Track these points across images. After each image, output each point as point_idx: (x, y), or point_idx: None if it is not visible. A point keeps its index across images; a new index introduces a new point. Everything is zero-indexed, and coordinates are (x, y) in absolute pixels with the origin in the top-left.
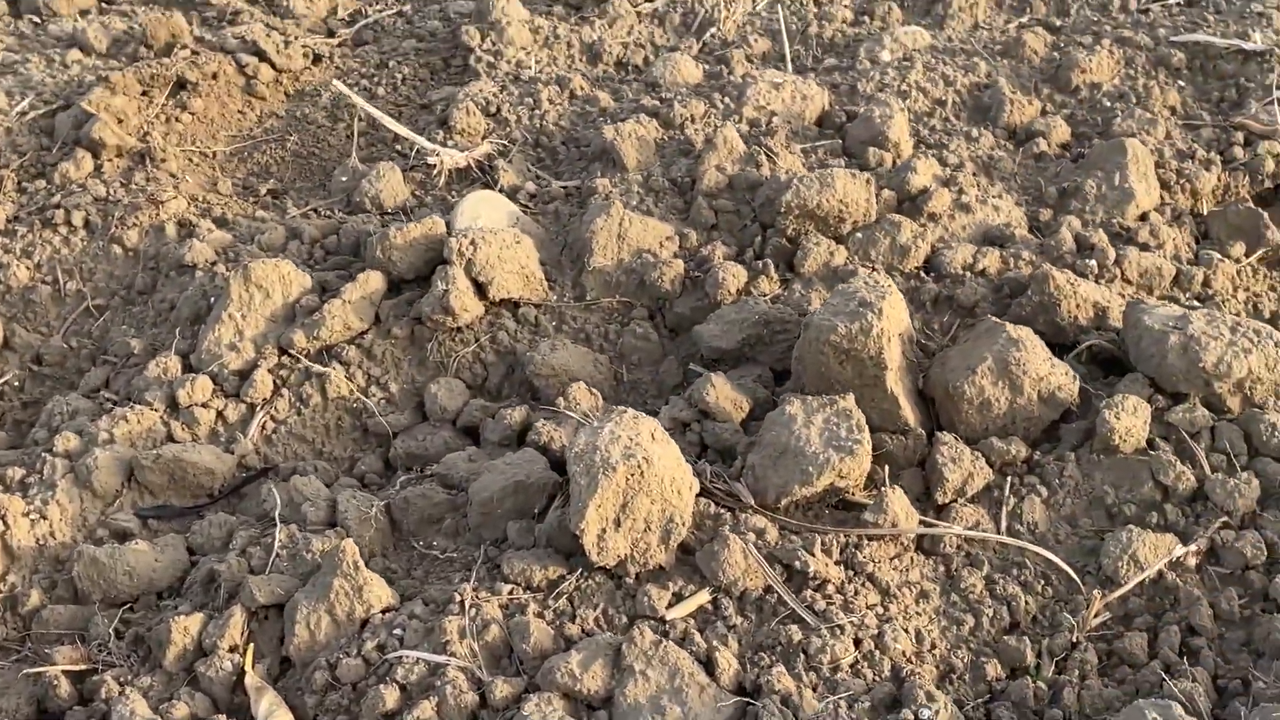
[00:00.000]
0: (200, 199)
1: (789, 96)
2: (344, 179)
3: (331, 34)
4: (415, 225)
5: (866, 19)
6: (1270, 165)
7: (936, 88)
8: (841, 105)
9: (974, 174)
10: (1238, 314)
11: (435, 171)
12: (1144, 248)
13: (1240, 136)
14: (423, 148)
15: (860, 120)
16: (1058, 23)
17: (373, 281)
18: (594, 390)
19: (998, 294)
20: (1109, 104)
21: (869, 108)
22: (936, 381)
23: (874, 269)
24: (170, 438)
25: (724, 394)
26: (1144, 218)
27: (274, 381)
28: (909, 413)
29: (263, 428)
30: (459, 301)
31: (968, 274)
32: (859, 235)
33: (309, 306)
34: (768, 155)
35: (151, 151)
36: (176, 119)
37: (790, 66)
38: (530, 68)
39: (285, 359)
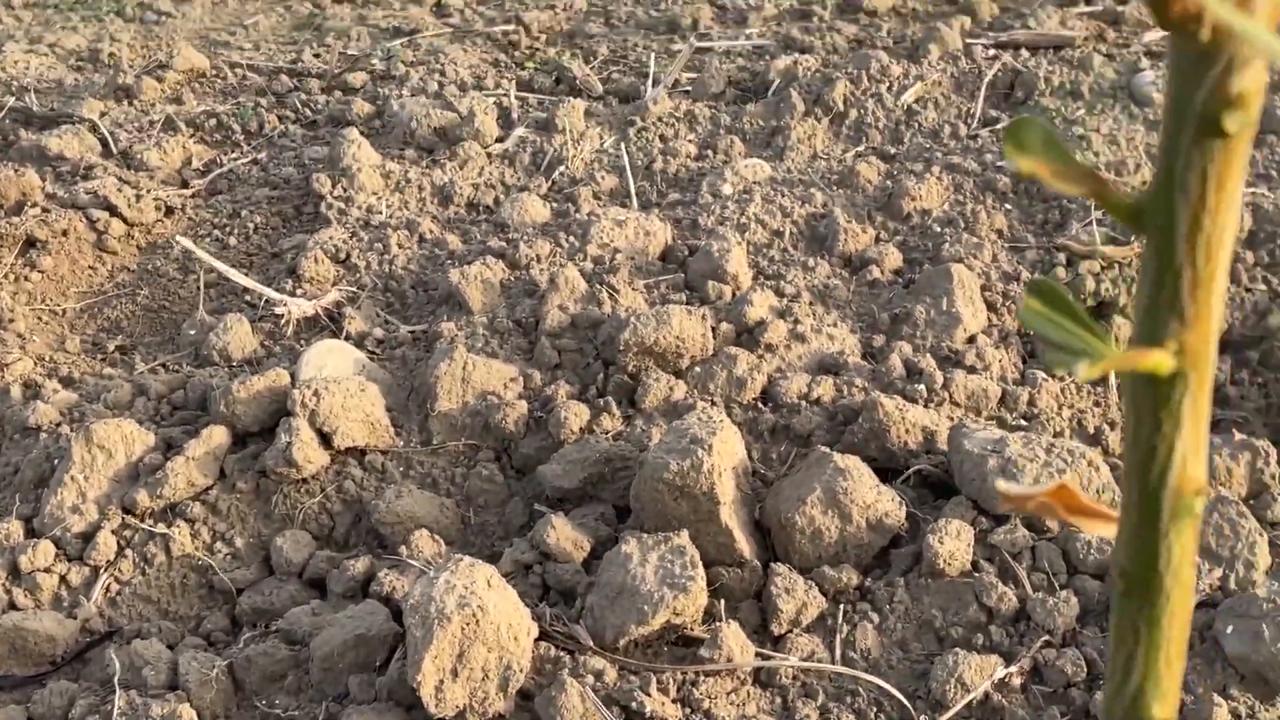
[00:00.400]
0: (47, 358)
1: (632, 233)
2: (192, 332)
3: (186, 185)
4: (259, 378)
5: (710, 152)
6: (1091, 284)
7: (775, 219)
8: (684, 239)
9: (810, 303)
10: (1061, 431)
11: (283, 321)
12: (971, 370)
13: (1063, 257)
14: (270, 298)
15: (701, 254)
16: (892, 150)
17: (216, 436)
18: (437, 537)
19: (832, 421)
20: (939, 229)
21: (709, 242)
22: (771, 512)
23: (712, 402)
24: (12, 605)
25: (564, 534)
26: (971, 340)
27: (117, 543)
28: (744, 545)
29: (106, 590)
30: (303, 453)
31: (803, 403)
32: (698, 370)
33: (152, 465)
34: (610, 293)
35: None
36: (25, 278)
37: (636, 202)
38: (381, 212)
39: (129, 519)
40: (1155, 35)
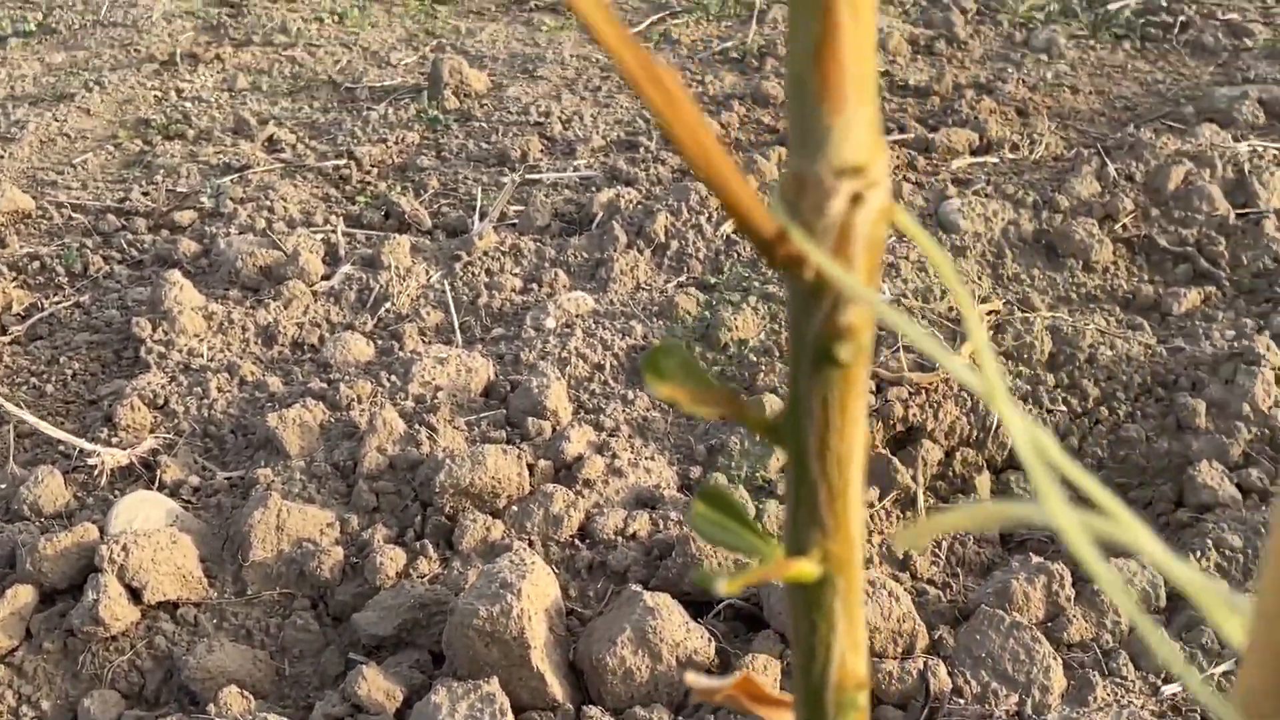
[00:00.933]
0: None
1: (454, 370)
2: (2, 485)
3: (4, 331)
4: (66, 534)
5: (535, 285)
6: (899, 410)
7: (596, 352)
8: (506, 375)
9: (629, 437)
10: (870, 558)
11: (97, 472)
12: (783, 500)
13: (872, 384)
14: (83, 448)
15: (521, 390)
16: (712, 280)
17: (22, 596)
18: (247, 693)
19: (648, 556)
20: (754, 359)
21: (529, 378)
22: (584, 654)
23: (530, 541)
24: None
25: (376, 685)
26: (784, 470)
27: None
28: (556, 689)
29: None
30: (110, 610)
31: (620, 539)
32: (515, 509)
33: None
34: (429, 433)
35: None
36: None
37: (460, 338)
38: (202, 355)
39: None
40: (963, 163)
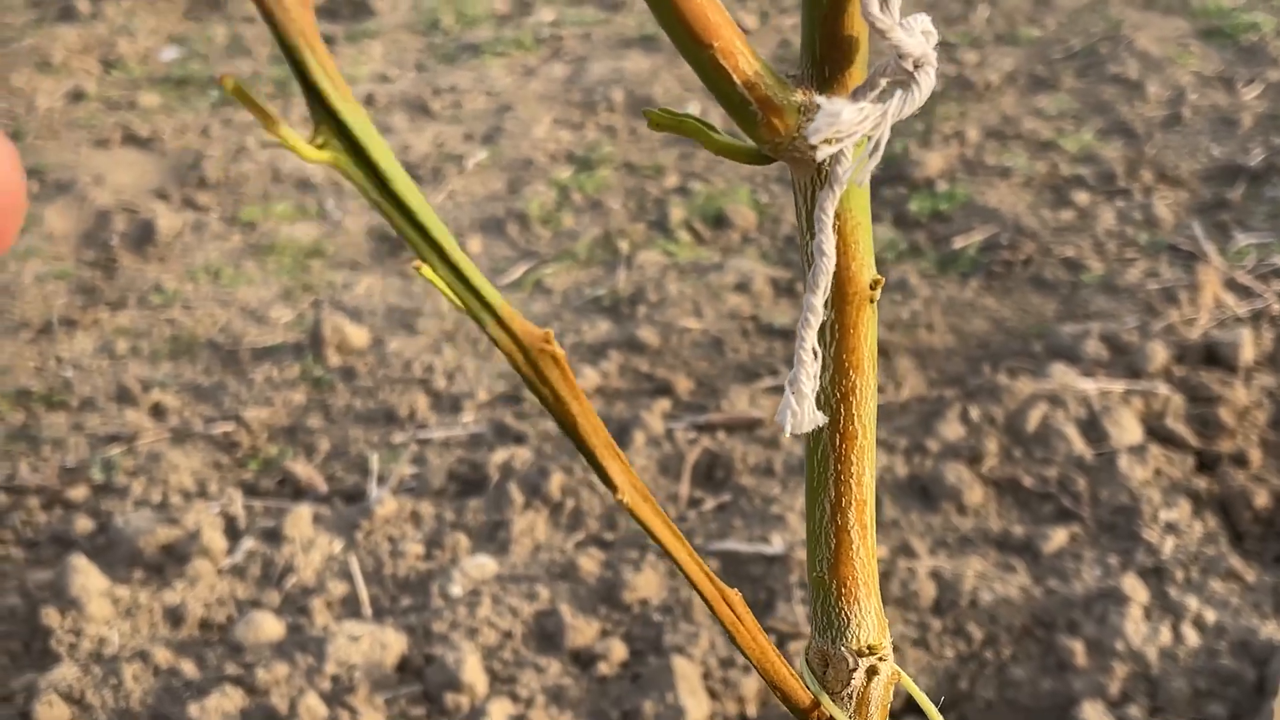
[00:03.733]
0: None
1: (368, 647)
2: None
3: None
4: None
5: (438, 551)
6: (799, 664)
7: (504, 619)
8: (419, 648)
9: (545, 705)
10: None
11: None
12: None
13: (774, 639)
14: None
15: (437, 665)
16: (609, 537)
17: None
18: None
19: None
20: (658, 618)
21: (444, 651)
22: None
23: None
24: None
25: None
26: None
27: None
28: None
29: None
30: None
31: None
32: None
33: None
34: (350, 715)
35: None
36: None
37: (369, 609)
38: (114, 643)
39: None
40: None
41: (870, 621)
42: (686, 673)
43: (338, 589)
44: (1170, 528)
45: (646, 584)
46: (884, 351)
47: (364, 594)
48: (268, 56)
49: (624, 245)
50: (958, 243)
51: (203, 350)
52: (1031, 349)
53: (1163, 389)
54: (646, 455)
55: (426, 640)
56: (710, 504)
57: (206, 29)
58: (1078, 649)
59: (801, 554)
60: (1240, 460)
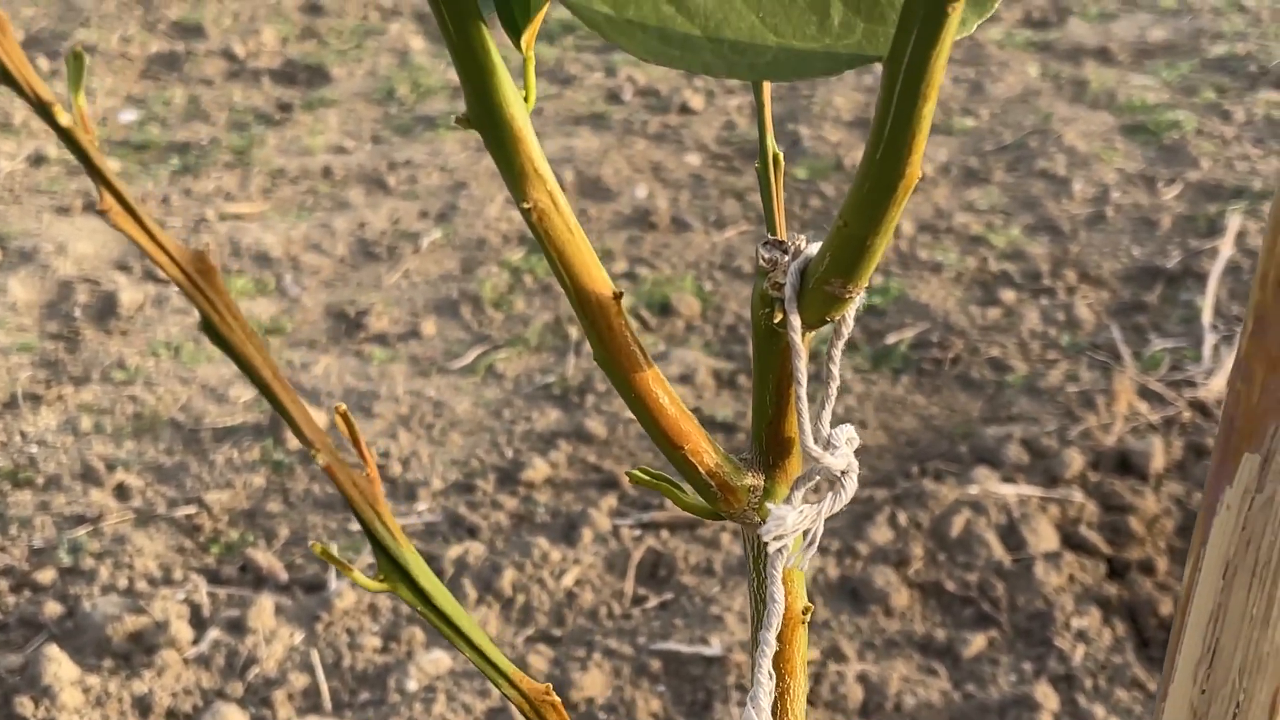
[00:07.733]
0: None
1: None
2: None
3: None
4: None
5: (395, 644)
6: None
7: (458, 717)
8: None
9: None
10: None
11: None
12: None
13: None
14: None
15: None
16: (557, 633)
17: None
18: None
19: None
20: (603, 716)
21: None
22: None
23: None
24: None
25: None
26: None
27: None
28: None
29: None
30: None
31: None
32: None
33: None
34: None
35: None
36: None
37: (329, 702)
38: None
39: None
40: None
41: None
42: None
43: (299, 681)
44: (1080, 635)
45: (592, 683)
46: None
47: (324, 687)
48: (225, 122)
49: (574, 331)
50: (891, 339)
51: (165, 429)
52: (957, 450)
53: (1078, 496)
54: (593, 553)
55: None
56: (654, 601)
57: (165, 90)
58: None
59: (738, 657)
60: (1148, 568)
